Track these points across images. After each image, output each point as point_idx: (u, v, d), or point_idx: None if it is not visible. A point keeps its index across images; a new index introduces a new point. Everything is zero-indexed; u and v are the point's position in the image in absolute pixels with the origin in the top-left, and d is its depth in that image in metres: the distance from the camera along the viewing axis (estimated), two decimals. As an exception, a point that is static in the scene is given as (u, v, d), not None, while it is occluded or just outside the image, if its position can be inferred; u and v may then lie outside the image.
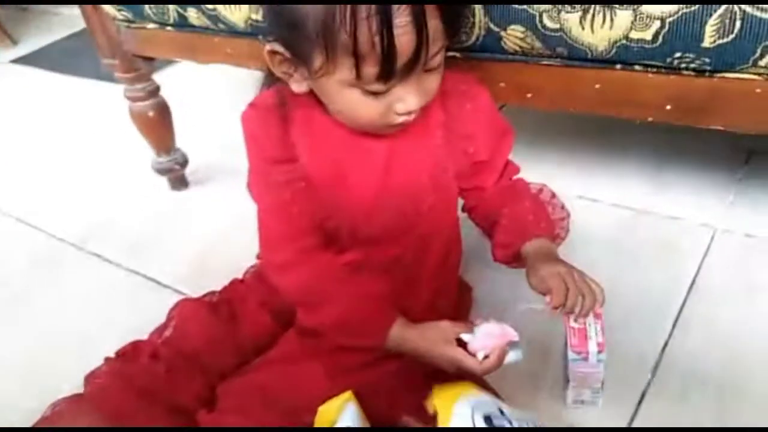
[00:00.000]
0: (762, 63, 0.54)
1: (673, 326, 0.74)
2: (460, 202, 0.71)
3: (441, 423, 0.55)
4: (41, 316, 0.91)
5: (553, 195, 0.77)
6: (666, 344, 0.72)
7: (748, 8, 0.52)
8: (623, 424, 0.65)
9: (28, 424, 0.63)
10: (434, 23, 0.51)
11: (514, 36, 0.65)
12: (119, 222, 1.10)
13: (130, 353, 0.68)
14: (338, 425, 0.58)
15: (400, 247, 0.67)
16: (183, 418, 0.64)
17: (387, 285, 0.64)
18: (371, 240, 0.65)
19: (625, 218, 0.93)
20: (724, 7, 0.53)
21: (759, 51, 0.53)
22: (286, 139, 0.63)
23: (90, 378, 0.66)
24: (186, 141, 1.13)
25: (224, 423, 0.62)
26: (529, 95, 0.70)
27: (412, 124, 0.59)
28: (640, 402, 0.67)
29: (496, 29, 0.65)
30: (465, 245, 0.74)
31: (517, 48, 0.66)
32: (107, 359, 0.67)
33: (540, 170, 0.76)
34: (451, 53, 0.70)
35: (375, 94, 0.54)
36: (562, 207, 0.76)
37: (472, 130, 0.65)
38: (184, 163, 1.14)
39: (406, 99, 0.54)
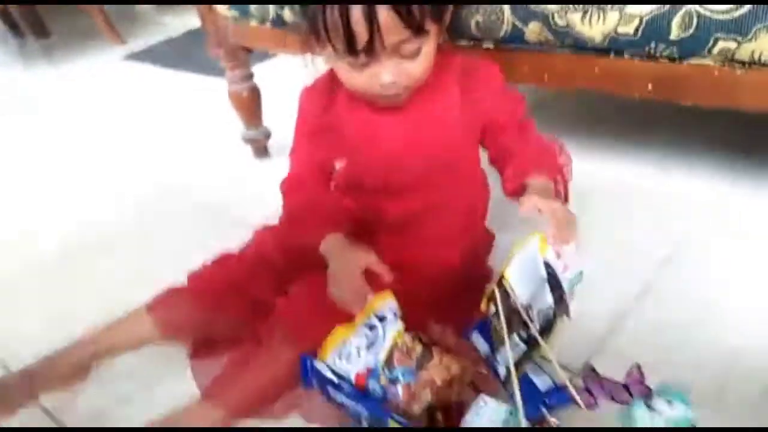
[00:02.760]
0: (715, 51, 0.72)
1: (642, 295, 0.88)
2: (485, 158, 0.87)
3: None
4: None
5: (561, 146, 0.87)
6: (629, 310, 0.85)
7: (701, 9, 0.70)
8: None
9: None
10: (386, 19, 0.65)
11: (533, 31, 0.85)
12: (215, 179, 1.36)
13: (222, 259, 0.88)
14: (380, 314, 0.77)
15: (428, 197, 0.81)
16: (262, 308, 0.82)
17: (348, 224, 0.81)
18: (402, 190, 0.82)
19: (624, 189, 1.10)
20: (684, 8, 0.71)
21: (711, 41, 0.71)
22: (330, 111, 0.81)
23: (191, 275, 0.85)
24: (271, 120, 1.38)
25: (296, 304, 0.79)
26: (545, 76, 0.90)
27: (431, 97, 0.76)
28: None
29: (520, 25, 0.85)
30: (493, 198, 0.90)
31: (536, 40, 0.86)
32: (204, 263, 0.87)
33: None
34: (486, 45, 0.91)
35: (354, 67, 0.71)
36: (568, 156, 0.87)
37: (484, 94, 0.79)
38: (267, 136, 1.39)
39: (380, 75, 0.70)
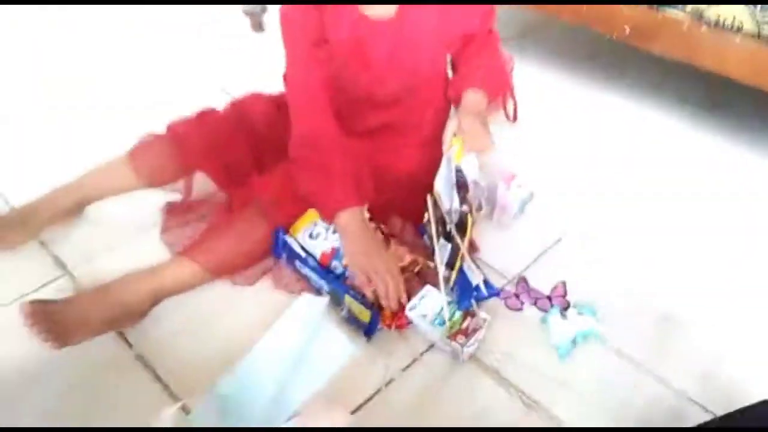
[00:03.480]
0: (688, 8, 0.77)
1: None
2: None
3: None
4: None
5: (510, 60, 0.92)
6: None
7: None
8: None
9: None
10: None
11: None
12: (212, 49, 1.39)
13: (204, 115, 0.90)
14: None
15: (404, 109, 0.87)
16: (235, 175, 0.88)
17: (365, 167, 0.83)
18: (383, 101, 0.87)
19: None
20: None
21: (686, -3, 0.76)
22: (319, 21, 0.80)
23: (172, 125, 0.88)
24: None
25: (272, 183, 0.85)
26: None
27: (412, 10, 0.79)
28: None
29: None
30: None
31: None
32: (188, 116, 0.89)
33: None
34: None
35: None
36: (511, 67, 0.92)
37: (460, 10, 0.82)
38: (264, 10, 1.40)
39: None
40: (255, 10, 1.38)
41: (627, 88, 1.23)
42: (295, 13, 0.81)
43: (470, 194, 0.78)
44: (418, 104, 0.88)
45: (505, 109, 0.84)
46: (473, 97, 0.81)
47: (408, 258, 0.83)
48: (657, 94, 1.21)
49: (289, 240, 0.83)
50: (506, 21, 0.92)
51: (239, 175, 0.88)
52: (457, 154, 0.78)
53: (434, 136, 0.89)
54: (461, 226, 0.78)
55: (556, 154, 1.07)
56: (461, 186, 0.78)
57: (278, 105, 0.92)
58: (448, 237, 0.80)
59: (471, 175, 0.79)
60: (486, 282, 0.82)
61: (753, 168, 1.06)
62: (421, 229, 0.89)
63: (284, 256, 0.85)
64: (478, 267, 0.84)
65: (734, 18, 0.74)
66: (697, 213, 0.97)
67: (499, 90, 0.85)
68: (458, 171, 0.78)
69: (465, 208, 0.78)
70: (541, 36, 1.38)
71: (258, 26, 1.42)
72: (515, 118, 0.89)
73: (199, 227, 0.89)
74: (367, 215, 0.83)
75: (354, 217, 0.79)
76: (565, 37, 1.36)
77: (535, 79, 1.01)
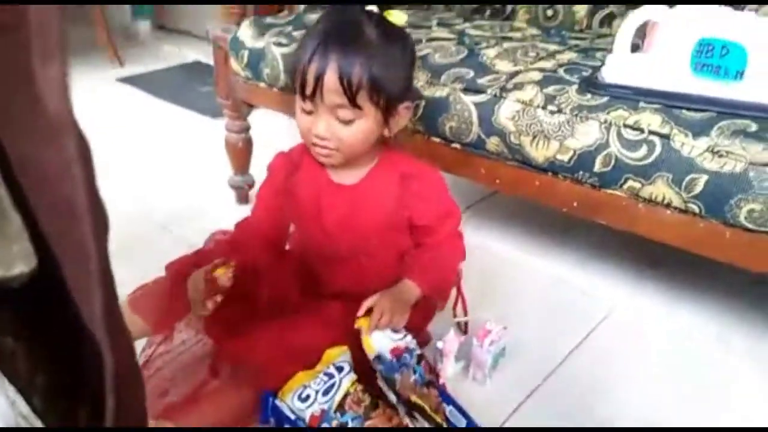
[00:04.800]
0: (625, 186, 0.92)
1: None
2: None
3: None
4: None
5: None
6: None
7: (618, 153, 0.90)
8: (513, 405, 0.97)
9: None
10: (331, 78, 0.80)
11: (493, 143, 1.04)
12: (194, 217, 1.47)
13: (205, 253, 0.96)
14: (336, 362, 0.91)
15: (353, 268, 0.94)
16: (229, 325, 0.89)
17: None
18: (336, 260, 0.94)
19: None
20: (607, 150, 0.91)
21: (623, 178, 0.92)
22: (292, 177, 0.94)
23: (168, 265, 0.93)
24: (256, 169, 1.52)
25: (259, 348, 0.87)
26: (497, 181, 1.08)
27: (372, 184, 0.90)
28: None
29: (483, 136, 1.04)
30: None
31: (494, 150, 1.05)
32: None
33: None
34: (454, 145, 1.09)
35: (304, 111, 0.85)
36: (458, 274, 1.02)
37: (420, 199, 0.91)
38: (251, 184, 1.53)
39: (316, 124, 0.84)
40: (242, 182, 1.52)
41: (581, 244, 1.38)
42: (276, 162, 0.97)
43: (380, 371, 0.87)
44: (373, 268, 0.96)
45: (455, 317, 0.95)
46: (405, 288, 0.91)
47: (396, 419, 0.85)
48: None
49: (279, 404, 0.85)
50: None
51: (232, 325, 0.90)
52: (364, 339, 0.88)
53: None
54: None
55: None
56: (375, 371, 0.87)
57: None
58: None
59: (379, 348, 0.88)
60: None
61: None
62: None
63: (272, 420, 0.86)
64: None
65: (664, 196, 0.88)
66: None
67: (432, 289, 0.94)
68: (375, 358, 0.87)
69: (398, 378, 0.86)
70: (503, 199, 1.55)
71: (244, 199, 1.54)
72: (466, 331, 1.02)
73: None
74: (354, 377, 0.87)
75: None
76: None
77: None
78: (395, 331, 0.90)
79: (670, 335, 1.14)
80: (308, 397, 0.86)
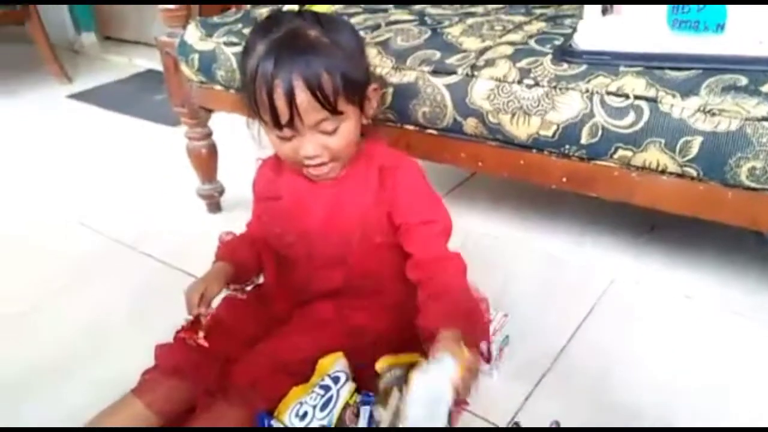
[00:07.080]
0: (616, 156, 0.88)
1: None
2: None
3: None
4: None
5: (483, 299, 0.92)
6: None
7: (605, 123, 0.86)
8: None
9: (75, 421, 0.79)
10: (304, 99, 0.73)
11: (470, 125, 0.98)
12: (164, 232, 1.40)
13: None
14: (331, 372, 0.86)
15: (341, 273, 0.88)
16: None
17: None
18: (325, 263, 0.88)
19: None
20: (592, 120, 0.87)
21: (613, 148, 0.87)
22: (274, 183, 0.90)
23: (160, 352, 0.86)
24: (224, 175, 1.45)
25: (252, 368, 0.83)
26: (480, 164, 1.03)
27: (352, 181, 0.84)
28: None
29: (459, 119, 0.99)
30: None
31: (473, 132, 0.99)
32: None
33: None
34: (430, 131, 1.04)
35: (282, 139, 0.79)
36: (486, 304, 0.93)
37: (398, 192, 0.83)
38: (221, 192, 1.45)
39: (302, 147, 0.78)
40: (212, 190, 1.44)
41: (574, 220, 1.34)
42: (256, 173, 0.95)
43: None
44: (365, 268, 0.89)
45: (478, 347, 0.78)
46: (451, 335, 0.70)
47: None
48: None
49: (276, 423, 0.79)
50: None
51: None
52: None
53: (391, 295, 0.91)
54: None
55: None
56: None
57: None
58: None
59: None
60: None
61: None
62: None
63: (270, 440, 0.80)
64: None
65: (658, 162, 0.84)
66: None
67: (477, 330, 0.81)
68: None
69: None
70: (488, 181, 1.50)
71: (216, 208, 1.47)
72: (489, 359, 0.91)
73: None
74: (352, 386, 0.82)
75: None
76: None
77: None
78: None
79: (674, 300, 1.12)
80: (306, 414, 0.80)
